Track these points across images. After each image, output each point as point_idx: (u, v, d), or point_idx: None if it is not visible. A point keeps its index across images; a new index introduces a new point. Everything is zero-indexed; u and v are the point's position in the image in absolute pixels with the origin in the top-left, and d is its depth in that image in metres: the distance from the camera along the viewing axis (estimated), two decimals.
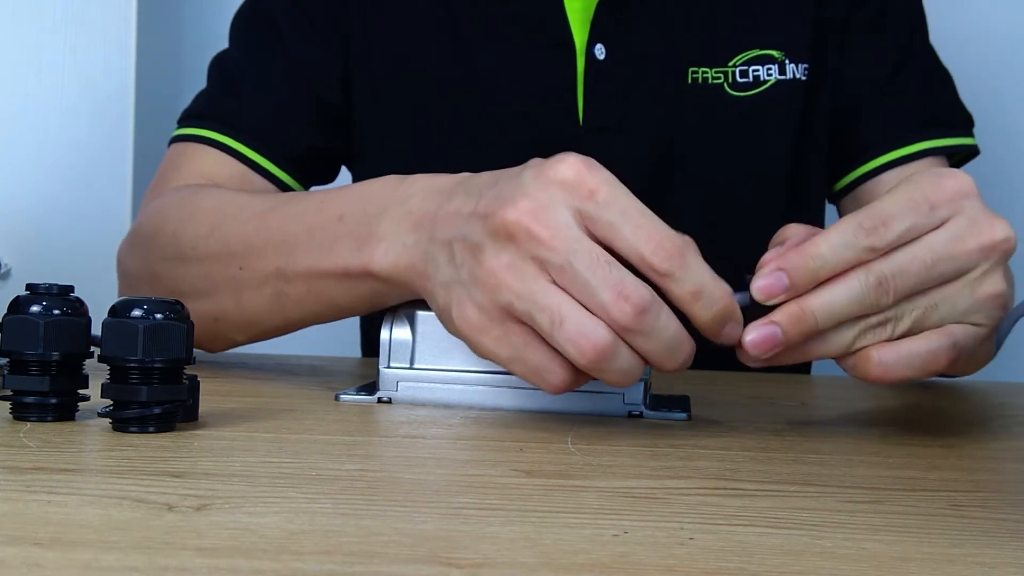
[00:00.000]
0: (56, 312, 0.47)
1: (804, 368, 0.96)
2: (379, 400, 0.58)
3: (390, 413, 0.55)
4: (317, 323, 0.67)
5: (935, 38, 0.92)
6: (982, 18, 1.30)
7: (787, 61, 0.86)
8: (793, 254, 0.50)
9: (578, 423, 0.53)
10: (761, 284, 0.50)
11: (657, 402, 0.59)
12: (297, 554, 0.29)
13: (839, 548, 0.31)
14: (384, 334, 0.58)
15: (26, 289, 0.48)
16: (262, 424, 0.49)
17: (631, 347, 0.48)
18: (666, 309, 0.48)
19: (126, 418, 0.45)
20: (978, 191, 0.53)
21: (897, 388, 0.79)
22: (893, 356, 0.51)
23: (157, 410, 0.45)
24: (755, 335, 0.50)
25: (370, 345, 0.98)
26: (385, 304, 0.63)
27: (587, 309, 0.48)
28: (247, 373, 0.70)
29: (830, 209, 0.93)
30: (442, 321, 0.54)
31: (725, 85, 0.85)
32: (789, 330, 0.50)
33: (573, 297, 0.48)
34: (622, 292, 0.47)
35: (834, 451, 0.49)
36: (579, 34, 0.84)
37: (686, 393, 0.63)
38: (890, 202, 0.51)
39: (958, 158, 0.90)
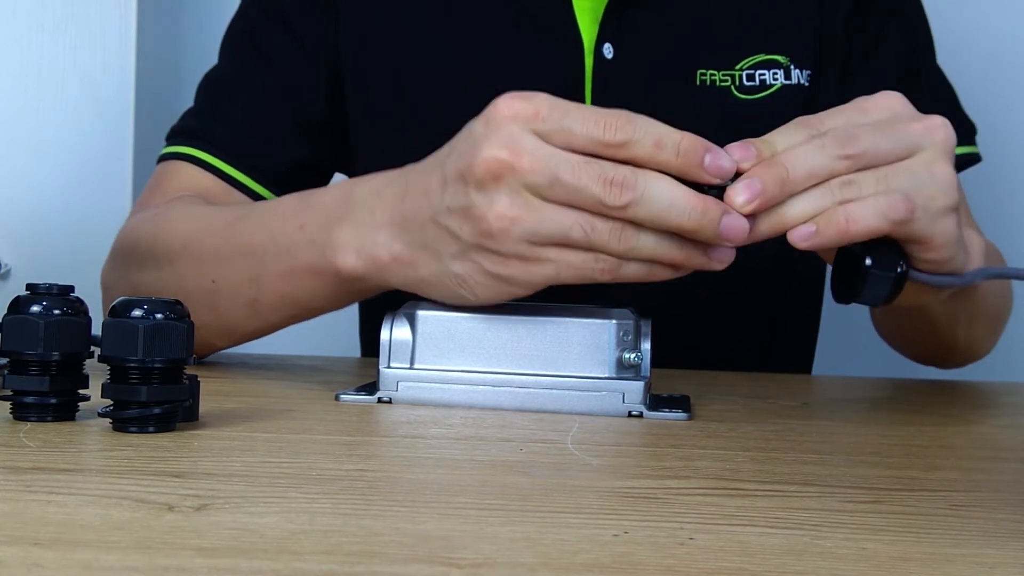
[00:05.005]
0: (56, 312, 0.47)
1: (804, 368, 0.96)
2: (379, 400, 0.58)
3: (390, 413, 0.55)
4: (297, 322, 0.70)
5: (936, 38, 0.92)
6: (982, 18, 1.30)
7: (792, 66, 0.86)
8: (743, 143, 0.54)
9: (578, 423, 0.53)
10: (721, 162, 0.53)
11: (657, 402, 0.59)
12: (297, 554, 0.29)
13: (839, 548, 0.31)
14: (384, 334, 0.58)
15: (26, 289, 0.48)
16: (262, 424, 0.49)
17: (644, 223, 0.52)
18: (652, 174, 0.52)
19: (126, 418, 0.45)
20: (908, 103, 0.57)
21: (897, 388, 0.79)
22: (860, 209, 0.53)
23: (157, 410, 0.45)
24: (741, 192, 0.53)
25: (370, 345, 0.98)
26: (357, 300, 0.66)
27: (584, 209, 0.52)
28: (247, 373, 0.70)
29: None
30: (461, 294, 0.56)
31: (732, 88, 0.85)
32: (765, 179, 0.53)
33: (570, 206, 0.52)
34: (606, 180, 0.51)
35: (834, 451, 0.49)
36: (587, 33, 0.85)
37: (686, 393, 0.63)
38: (825, 111, 0.56)
39: (959, 164, 0.90)
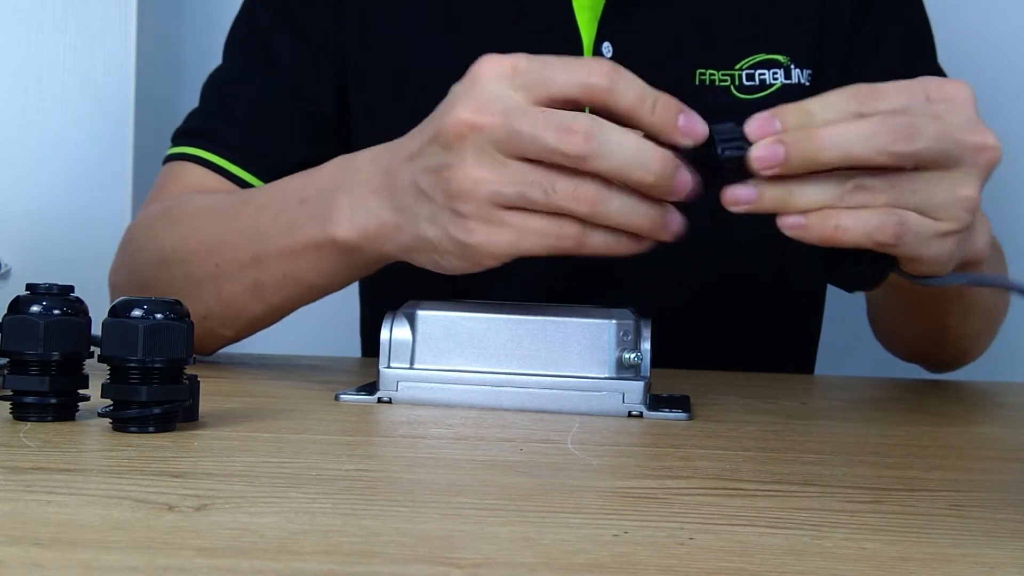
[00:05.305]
0: (56, 312, 0.47)
1: (805, 368, 0.96)
2: (379, 400, 0.58)
3: (390, 413, 0.55)
4: (299, 305, 0.71)
5: (938, 38, 0.92)
6: (982, 18, 1.30)
7: (792, 66, 0.86)
8: (787, 105, 0.52)
9: (578, 423, 0.53)
10: (754, 126, 0.52)
11: (657, 402, 0.58)
12: (297, 554, 0.29)
13: (839, 548, 0.31)
14: (384, 334, 0.58)
15: (26, 289, 0.48)
16: (262, 424, 0.49)
17: (605, 176, 0.51)
18: (615, 127, 0.51)
19: (126, 418, 0.45)
20: (975, 100, 0.55)
21: (897, 388, 0.79)
22: (851, 220, 0.52)
23: (157, 410, 0.45)
24: (761, 151, 0.51)
25: (370, 345, 0.98)
26: (359, 275, 0.67)
27: (540, 161, 0.51)
28: (247, 373, 0.70)
29: None
30: (438, 262, 0.56)
31: (732, 87, 0.85)
32: (792, 148, 0.51)
33: (530, 160, 0.51)
34: (563, 127, 0.50)
35: (834, 451, 0.49)
36: (587, 32, 0.84)
37: (686, 393, 0.63)
38: (887, 84, 0.53)
39: None
